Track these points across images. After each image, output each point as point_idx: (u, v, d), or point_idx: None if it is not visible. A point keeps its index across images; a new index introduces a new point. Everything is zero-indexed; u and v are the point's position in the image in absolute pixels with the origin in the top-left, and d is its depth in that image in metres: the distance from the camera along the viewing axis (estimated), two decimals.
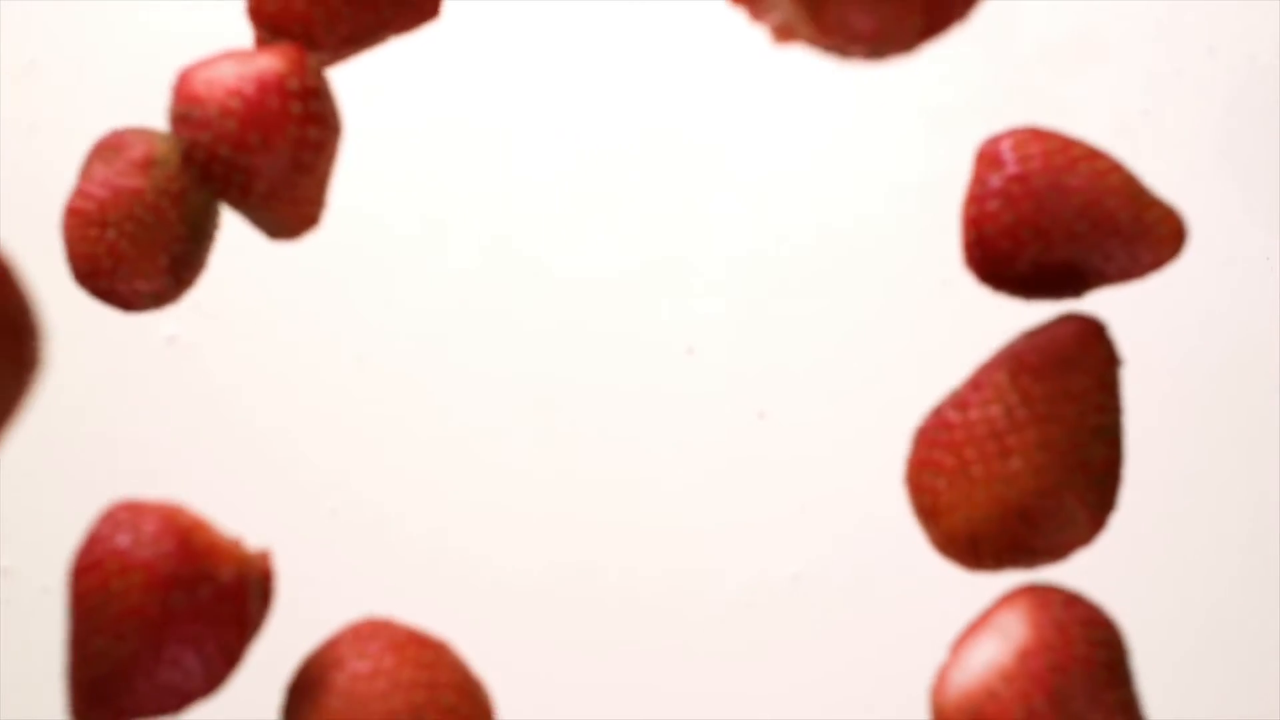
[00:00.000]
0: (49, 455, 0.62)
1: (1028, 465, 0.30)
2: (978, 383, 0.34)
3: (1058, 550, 0.33)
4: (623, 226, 0.62)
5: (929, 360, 0.70)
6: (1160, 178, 0.61)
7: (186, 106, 0.35)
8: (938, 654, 0.51)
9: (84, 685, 0.29)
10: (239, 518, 0.62)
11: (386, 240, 0.59)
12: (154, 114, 0.60)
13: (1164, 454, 0.64)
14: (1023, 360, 0.33)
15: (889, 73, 0.63)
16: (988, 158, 0.34)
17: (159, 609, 0.29)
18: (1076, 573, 0.61)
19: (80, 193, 0.35)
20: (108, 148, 0.37)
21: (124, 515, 0.31)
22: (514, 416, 0.59)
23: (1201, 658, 0.63)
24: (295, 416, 0.63)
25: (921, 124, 0.74)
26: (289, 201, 0.36)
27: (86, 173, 0.36)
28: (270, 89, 0.34)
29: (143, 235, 0.35)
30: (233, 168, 0.34)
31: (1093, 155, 0.33)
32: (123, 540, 0.31)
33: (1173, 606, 0.64)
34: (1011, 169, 0.33)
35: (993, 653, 0.28)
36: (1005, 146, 0.33)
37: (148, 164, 0.36)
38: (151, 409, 0.62)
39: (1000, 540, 0.32)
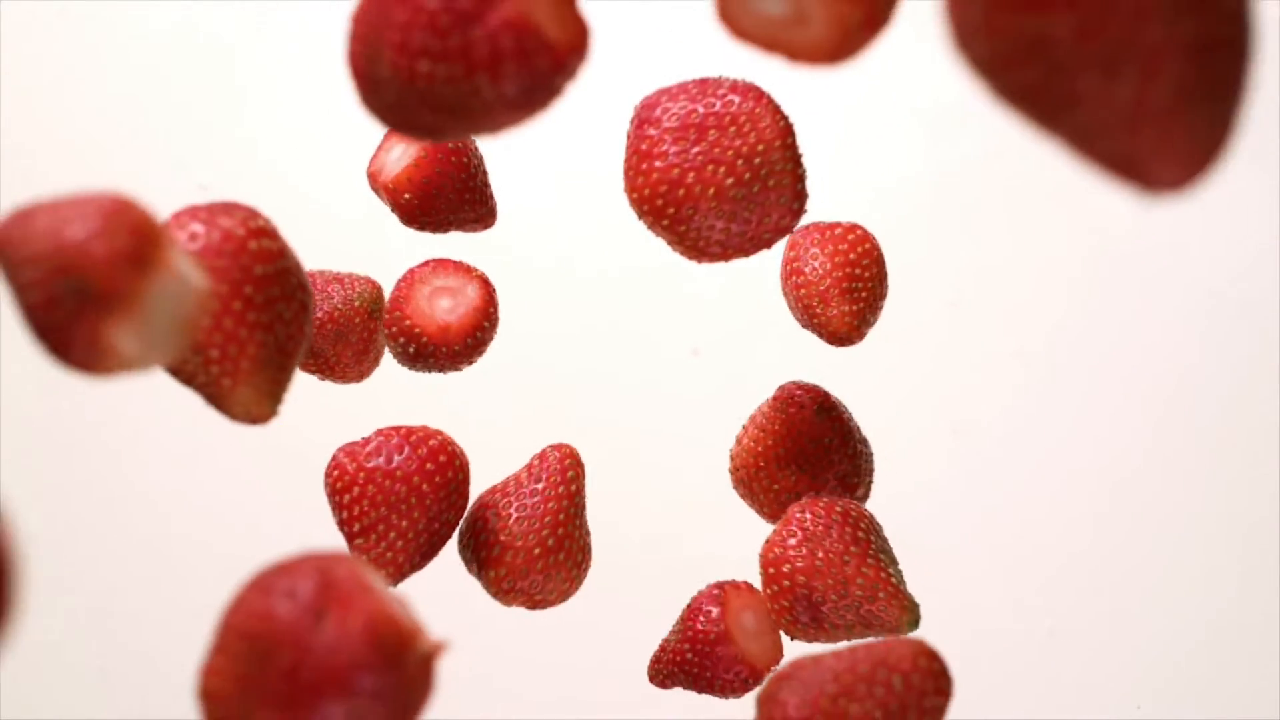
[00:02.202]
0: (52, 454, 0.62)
1: None
2: None
3: None
4: (626, 228, 0.62)
5: (929, 361, 0.70)
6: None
7: None
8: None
9: None
10: (251, 508, 0.62)
11: (396, 238, 0.60)
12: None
13: (1164, 453, 0.64)
14: None
15: (889, 74, 0.63)
16: None
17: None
18: (1077, 572, 0.61)
19: None
20: None
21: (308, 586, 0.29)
22: (521, 413, 0.59)
23: (1201, 657, 0.63)
24: (299, 407, 0.63)
25: (922, 124, 0.74)
26: None
27: None
28: None
29: None
30: None
31: None
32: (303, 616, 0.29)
33: (1173, 607, 0.64)
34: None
35: None
36: None
37: None
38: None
39: None
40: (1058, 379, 0.63)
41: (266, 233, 0.35)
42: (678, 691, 0.47)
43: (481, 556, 0.42)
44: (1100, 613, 0.63)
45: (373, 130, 0.62)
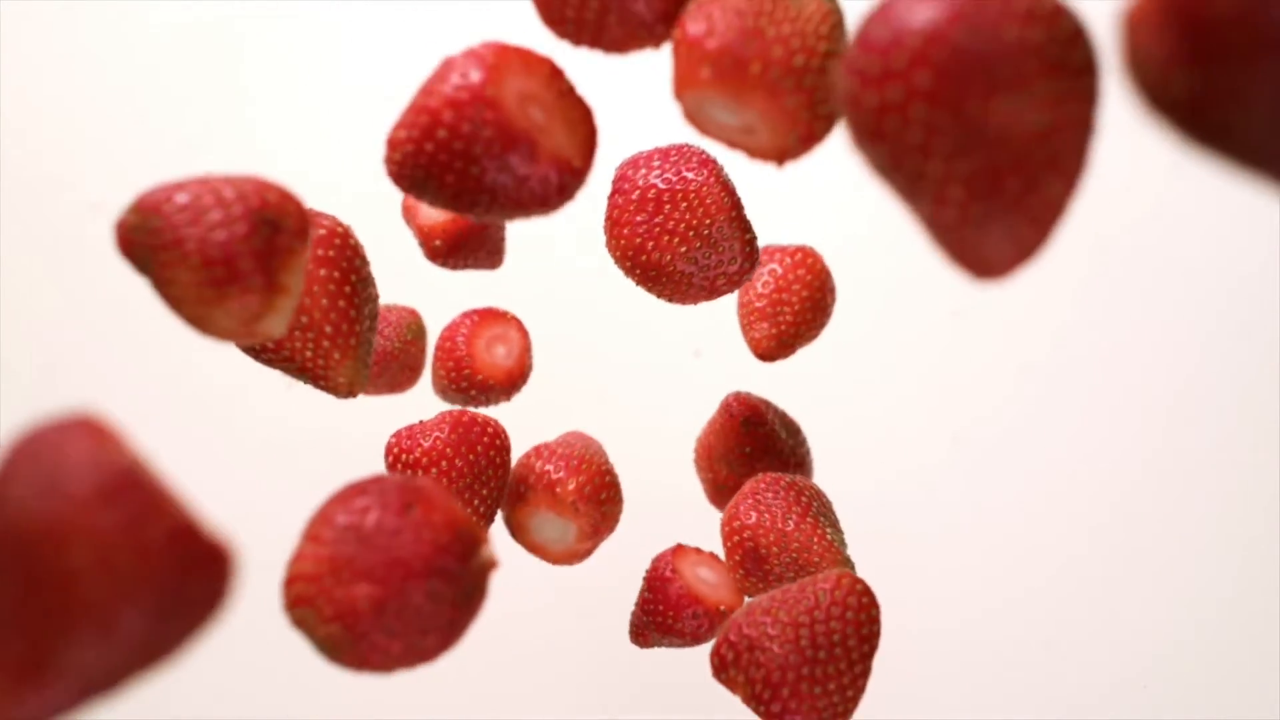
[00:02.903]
0: None
1: None
2: None
3: None
4: None
5: (930, 369, 0.70)
6: (1161, 177, 0.61)
7: None
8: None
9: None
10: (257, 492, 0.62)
11: (405, 235, 0.59)
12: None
13: (1165, 465, 0.64)
14: None
15: None
16: None
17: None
18: (1076, 581, 0.61)
19: None
20: None
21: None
22: (523, 413, 0.59)
23: (1202, 657, 0.64)
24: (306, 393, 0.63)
25: None
26: None
27: None
28: None
29: None
30: None
31: None
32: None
33: (1173, 616, 0.64)
34: None
35: None
36: None
37: None
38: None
39: None
40: (1059, 389, 0.63)
41: (353, 234, 0.41)
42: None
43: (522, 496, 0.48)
44: (1099, 622, 0.63)
45: (376, 123, 0.62)
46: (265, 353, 0.39)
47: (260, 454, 0.62)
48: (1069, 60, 0.24)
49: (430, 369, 0.58)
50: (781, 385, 0.61)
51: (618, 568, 0.53)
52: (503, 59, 0.33)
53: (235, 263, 0.33)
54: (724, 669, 0.39)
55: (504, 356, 0.56)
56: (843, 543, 0.46)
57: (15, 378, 0.62)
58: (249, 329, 0.34)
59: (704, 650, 0.46)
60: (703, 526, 0.53)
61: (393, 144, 0.35)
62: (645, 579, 0.50)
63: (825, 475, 0.61)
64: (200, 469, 0.63)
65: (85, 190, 0.62)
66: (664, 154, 0.42)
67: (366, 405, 0.55)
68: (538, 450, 0.50)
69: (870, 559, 0.61)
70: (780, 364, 0.57)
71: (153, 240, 0.33)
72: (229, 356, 0.61)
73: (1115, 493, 0.63)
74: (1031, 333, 0.67)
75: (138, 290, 0.61)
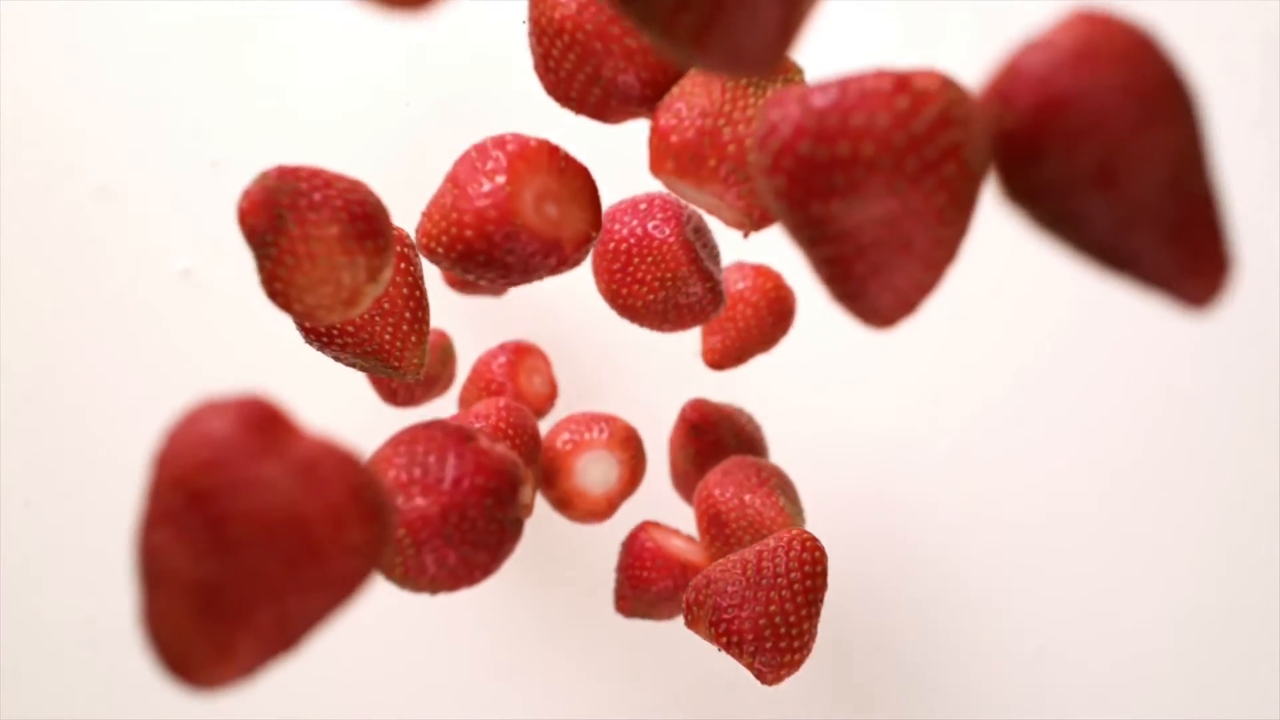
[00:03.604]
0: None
1: None
2: None
3: None
4: None
5: (931, 374, 0.70)
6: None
7: None
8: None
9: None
10: None
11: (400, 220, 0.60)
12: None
13: (1165, 474, 0.64)
14: None
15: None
16: None
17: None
18: (1079, 576, 0.61)
19: None
20: None
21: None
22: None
23: (1201, 657, 0.64)
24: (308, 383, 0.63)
25: None
26: None
27: None
28: None
29: None
30: None
31: None
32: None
33: (1173, 606, 0.64)
34: None
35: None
36: None
37: None
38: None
39: None
40: (1060, 396, 0.63)
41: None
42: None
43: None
44: (1098, 623, 0.63)
45: (382, 116, 0.61)
46: (343, 335, 0.42)
47: None
48: (922, 155, 0.27)
49: (459, 390, 0.63)
50: (776, 381, 0.61)
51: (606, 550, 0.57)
52: (520, 165, 0.38)
53: (375, 220, 0.37)
54: (689, 613, 0.43)
55: (541, 385, 0.62)
56: (798, 514, 0.51)
57: (15, 378, 0.62)
58: (353, 298, 0.37)
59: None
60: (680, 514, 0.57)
61: (423, 238, 0.39)
62: (623, 545, 0.55)
63: (825, 476, 0.61)
64: None
65: (86, 184, 0.62)
66: (635, 207, 0.47)
67: (391, 418, 0.56)
68: (563, 421, 0.56)
69: (870, 559, 0.61)
70: (775, 361, 0.57)
71: (296, 200, 0.36)
72: (231, 358, 0.61)
73: (1116, 503, 0.63)
74: (1033, 339, 0.67)
75: (138, 289, 0.61)
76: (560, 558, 0.63)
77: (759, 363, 0.61)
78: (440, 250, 0.39)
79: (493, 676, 0.63)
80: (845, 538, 0.62)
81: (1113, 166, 0.22)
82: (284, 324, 0.62)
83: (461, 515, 0.35)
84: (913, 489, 0.64)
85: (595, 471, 0.54)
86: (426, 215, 0.40)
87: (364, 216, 0.36)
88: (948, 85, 0.26)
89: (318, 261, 0.36)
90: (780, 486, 0.51)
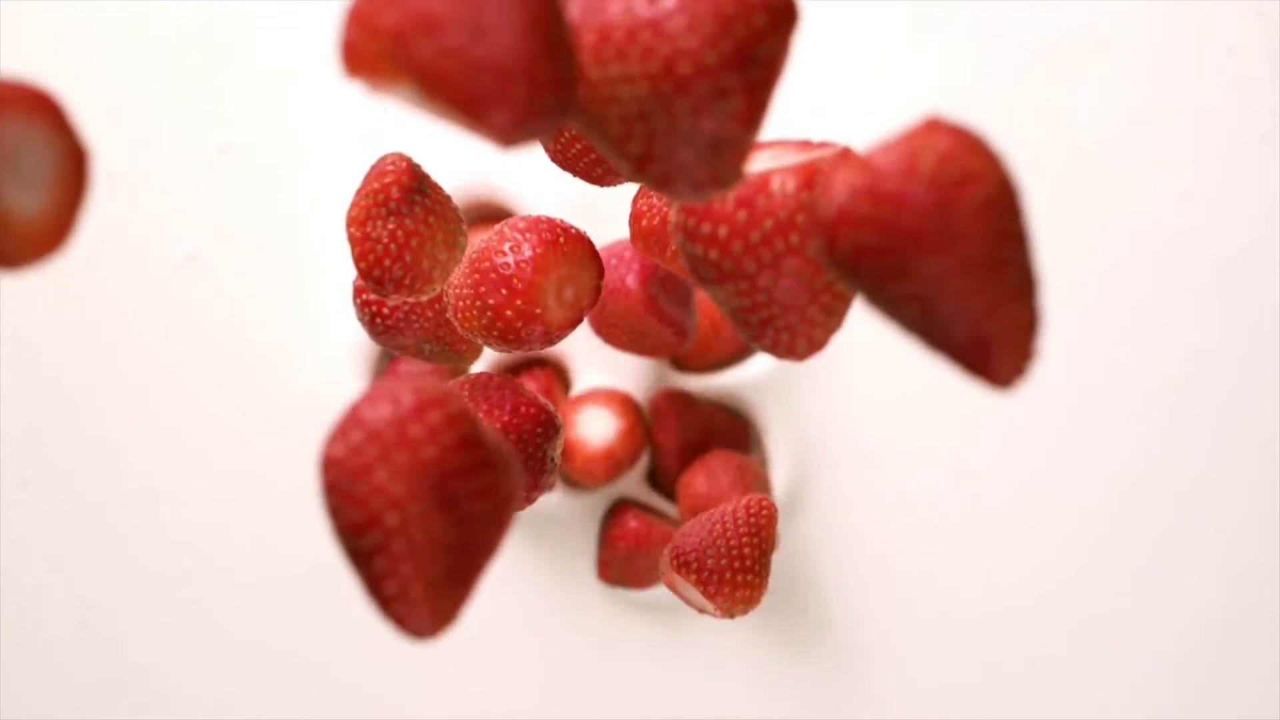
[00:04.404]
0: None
1: None
2: None
3: None
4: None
5: (931, 377, 0.69)
6: (1160, 178, 0.61)
7: None
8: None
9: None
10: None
11: None
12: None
13: (1165, 482, 0.64)
14: None
15: (890, 73, 0.63)
16: None
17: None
18: (1070, 599, 0.61)
19: None
20: None
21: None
22: None
23: (1201, 657, 0.63)
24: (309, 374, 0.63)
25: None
26: None
27: None
28: None
29: None
30: None
31: None
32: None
33: (1174, 606, 0.64)
34: None
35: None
36: None
37: None
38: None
39: None
40: (1060, 401, 0.63)
41: None
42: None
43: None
44: (1099, 626, 0.63)
45: (377, 125, 0.61)
46: (422, 318, 0.43)
47: (265, 456, 0.62)
48: (785, 242, 0.29)
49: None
50: (776, 382, 0.61)
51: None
52: (546, 261, 0.40)
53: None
54: (661, 568, 0.47)
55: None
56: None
57: (18, 362, 0.62)
58: (446, 270, 0.40)
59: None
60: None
61: (457, 315, 0.41)
62: (603, 524, 0.59)
63: (825, 474, 0.60)
64: (201, 470, 0.63)
65: (93, 169, 0.62)
66: (608, 260, 0.50)
67: None
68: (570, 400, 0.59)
69: (868, 559, 0.61)
70: (774, 361, 0.57)
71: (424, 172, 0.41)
72: (233, 359, 0.61)
73: (1114, 511, 0.63)
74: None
75: (137, 291, 0.62)
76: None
77: (756, 362, 0.61)
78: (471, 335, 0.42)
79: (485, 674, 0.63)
80: (836, 546, 0.62)
81: (908, 288, 0.24)
82: (289, 309, 0.63)
83: (519, 437, 0.40)
84: (908, 497, 0.63)
85: (595, 424, 0.57)
86: (456, 306, 0.41)
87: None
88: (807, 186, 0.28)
89: (448, 221, 0.39)
90: (756, 483, 0.55)
